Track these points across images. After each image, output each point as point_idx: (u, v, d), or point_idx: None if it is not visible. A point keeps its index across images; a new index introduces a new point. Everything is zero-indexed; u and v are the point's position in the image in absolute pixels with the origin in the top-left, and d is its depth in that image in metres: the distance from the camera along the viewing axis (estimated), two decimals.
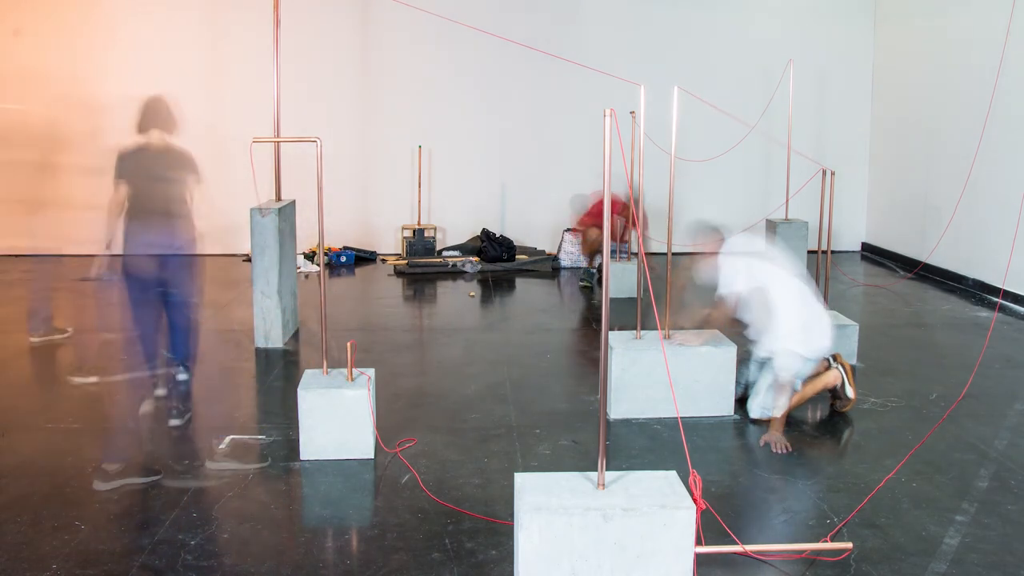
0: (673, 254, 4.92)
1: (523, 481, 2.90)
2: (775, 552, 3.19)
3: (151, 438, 4.33)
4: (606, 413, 4.54)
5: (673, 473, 2.99)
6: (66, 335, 6.04)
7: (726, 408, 4.64)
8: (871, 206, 9.69)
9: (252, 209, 5.90)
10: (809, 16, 9.41)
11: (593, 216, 7.79)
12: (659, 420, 4.52)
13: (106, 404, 4.90)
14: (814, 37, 9.34)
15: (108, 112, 8.91)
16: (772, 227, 8.15)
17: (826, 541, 3.31)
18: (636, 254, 7.59)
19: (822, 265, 5.66)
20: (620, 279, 7.28)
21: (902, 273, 8.45)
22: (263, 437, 4.32)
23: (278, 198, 6.27)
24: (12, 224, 9.04)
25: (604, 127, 2.71)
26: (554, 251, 9.22)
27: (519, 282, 8.32)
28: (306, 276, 8.18)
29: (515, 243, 9.02)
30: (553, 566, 2.75)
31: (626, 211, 7.58)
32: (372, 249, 9.21)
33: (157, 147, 4.55)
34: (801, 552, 3.21)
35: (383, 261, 8.98)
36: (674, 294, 5.09)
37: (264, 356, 5.74)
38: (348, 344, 4.10)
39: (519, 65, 8.92)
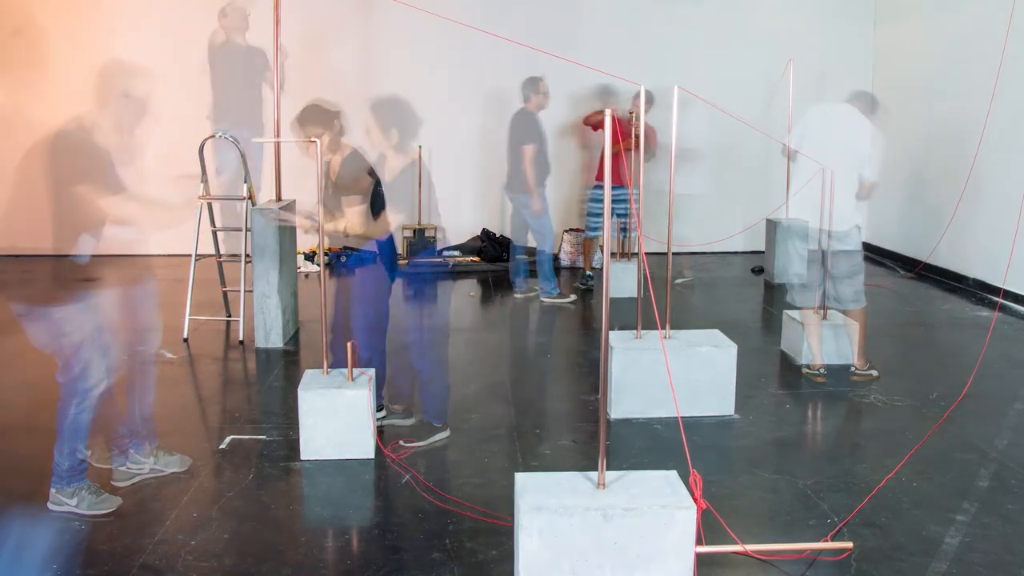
0: (674, 254, 4.92)
1: (523, 481, 2.90)
2: (775, 552, 3.19)
3: None
4: (606, 413, 4.54)
5: (673, 473, 2.98)
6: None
7: (726, 408, 4.63)
8: (871, 206, 9.67)
9: (254, 209, 5.90)
10: (809, 16, 9.40)
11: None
12: (659, 420, 4.52)
13: None
14: (814, 37, 9.33)
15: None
16: (772, 227, 8.16)
17: (826, 541, 3.31)
18: (636, 254, 7.59)
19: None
20: (620, 279, 7.27)
21: (902, 273, 8.45)
22: (263, 437, 4.32)
23: (278, 198, 6.27)
24: (12, 224, 9.07)
25: (605, 126, 2.72)
26: (554, 251, 9.21)
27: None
28: (306, 276, 8.19)
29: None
30: (553, 566, 2.74)
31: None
32: (372, 249, 9.20)
33: None
34: (801, 552, 3.21)
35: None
36: None
37: (264, 356, 5.74)
38: (348, 344, 4.10)
39: (519, 65, 8.91)
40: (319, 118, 4.21)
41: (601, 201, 7.73)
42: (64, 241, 3.57)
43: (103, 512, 3.52)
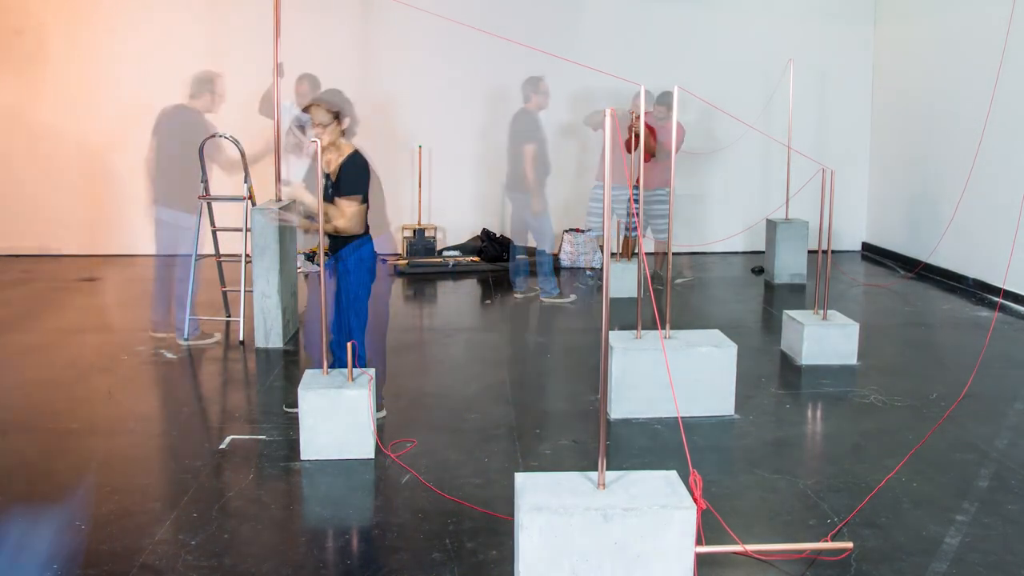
0: (673, 254, 4.92)
1: (523, 481, 2.90)
2: (775, 552, 3.19)
3: None
4: (606, 413, 4.54)
5: (673, 473, 2.98)
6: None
7: (726, 408, 4.64)
8: (871, 206, 9.69)
9: (254, 209, 5.90)
10: (809, 16, 9.40)
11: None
12: (659, 420, 4.52)
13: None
14: (814, 37, 9.34)
15: (109, 117, 8.93)
16: (772, 227, 8.16)
17: (826, 541, 3.31)
18: (636, 254, 7.59)
19: (822, 265, 5.66)
20: (620, 279, 7.27)
21: (902, 273, 8.45)
22: (263, 437, 4.32)
23: (278, 198, 6.27)
24: (12, 224, 9.06)
25: (605, 126, 2.72)
26: (554, 251, 9.22)
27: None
28: (306, 276, 8.18)
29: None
30: (553, 566, 2.74)
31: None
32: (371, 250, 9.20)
33: None
34: (801, 552, 3.21)
35: (383, 261, 8.98)
36: None
37: (264, 356, 5.74)
38: (348, 344, 4.10)
39: (519, 65, 8.91)
40: (333, 104, 4.24)
41: (624, 201, 7.67)
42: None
43: None
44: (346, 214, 4.25)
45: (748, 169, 9.46)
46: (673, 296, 5.12)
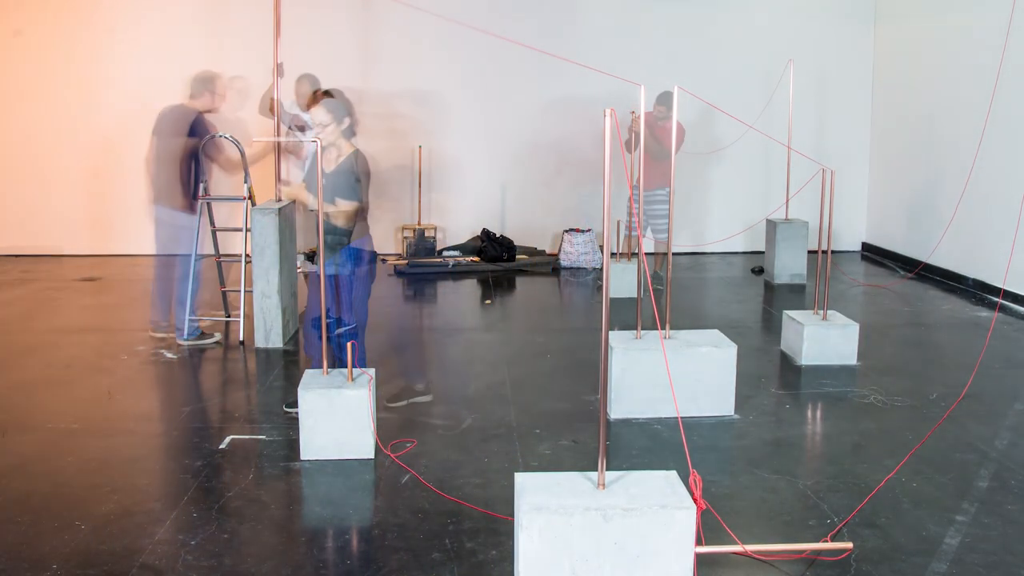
0: (673, 254, 4.92)
1: (523, 481, 2.90)
2: (775, 552, 3.19)
3: None
4: (606, 413, 4.54)
5: (673, 473, 2.98)
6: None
7: (726, 408, 4.64)
8: (871, 206, 9.69)
9: (253, 209, 5.90)
10: (809, 16, 9.41)
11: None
12: (659, 420, 4.52)
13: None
14: (814, 37, 9.34)
15: (109, 117, 8.93)
16: (772, 227, 8.16)
17: (826, 541, 3.31)
18: (636, 254, 7.58)
19: (822, 265, 5.66)
20: (620, 279, 7.27)
21: (902, 273, 8.45)
22: (263, 437, 4.32)
23: (278, 198, 6.27)
24: (12, 225, 9.07)
25: (604, 127, 2.71)
26: (554, 251, 9.22)
27: (519, 282, 8.32)
28: (306, 276, 8.18)
29: (515, 243, 9.01)
30: (553, 566, 2.74)
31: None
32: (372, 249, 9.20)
33: None
34: (801, 552, 3.21)
35: (383, 261, 8.99)
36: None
37: (264, 356, 5.74)
38: (348, 344, 4.10)
39: (519, 65, 8.92)
40: (333, 105, 4.24)
41: (654, 204, 7.56)
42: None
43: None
44: (345, 214, 4.26)
45: (748, 169, 9.46)
46: (673, 296, 5.11)
